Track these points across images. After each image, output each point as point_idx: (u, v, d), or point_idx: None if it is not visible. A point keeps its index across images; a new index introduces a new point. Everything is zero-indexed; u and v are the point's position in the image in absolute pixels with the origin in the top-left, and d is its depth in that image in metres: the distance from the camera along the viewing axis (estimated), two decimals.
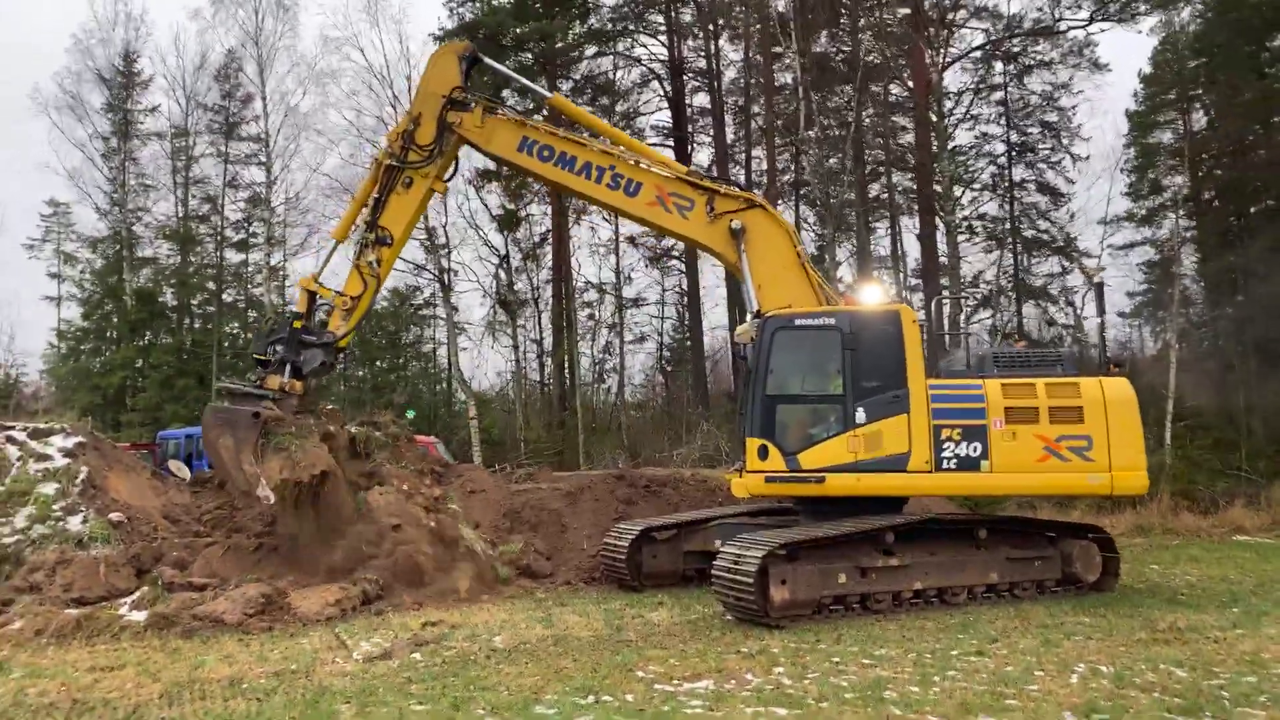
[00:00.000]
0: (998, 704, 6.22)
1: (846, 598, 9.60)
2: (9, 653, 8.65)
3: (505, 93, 26.24)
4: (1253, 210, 28.66)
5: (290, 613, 9.91)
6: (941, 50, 27.67)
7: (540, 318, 34.00)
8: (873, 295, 10.72)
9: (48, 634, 9.25)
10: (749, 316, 11.34)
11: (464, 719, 6.13)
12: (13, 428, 12.73)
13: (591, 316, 33.11)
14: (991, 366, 10.64)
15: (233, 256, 36.33)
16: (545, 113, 15.50)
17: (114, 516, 11.73)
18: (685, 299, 34.27)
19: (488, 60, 13.81)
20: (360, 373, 35.27)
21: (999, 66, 30.92)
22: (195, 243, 35.65)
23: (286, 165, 32.56)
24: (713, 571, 9.53)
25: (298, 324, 12.43)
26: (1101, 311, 10.47)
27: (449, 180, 13.89)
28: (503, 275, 32.11)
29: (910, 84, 29.69)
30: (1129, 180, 34.92)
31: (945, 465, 10.12)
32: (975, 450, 10.11)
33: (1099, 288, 10.85)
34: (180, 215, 36.03)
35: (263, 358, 12.37)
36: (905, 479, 10.14)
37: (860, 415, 10.19)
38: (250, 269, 36.37)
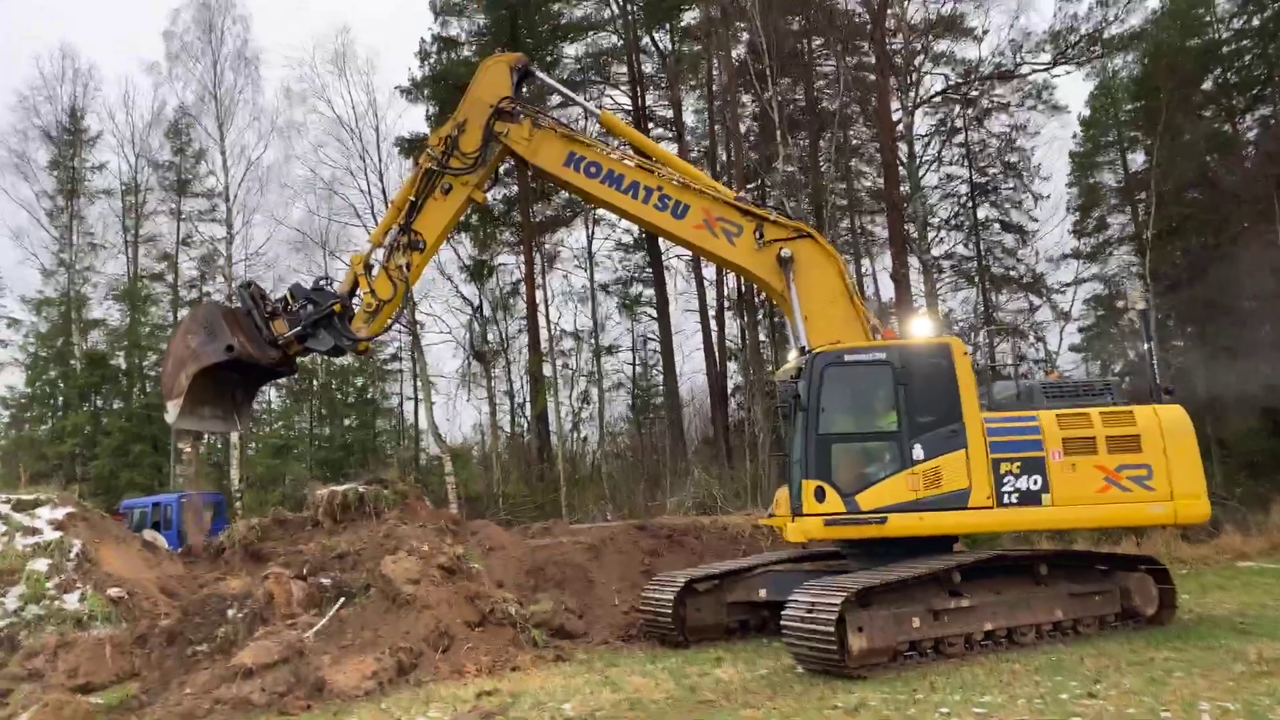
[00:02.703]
0: None
1: (920, 643, 9.19)
2: None
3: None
4: (1199, 245, 29.55)
5: (325, 689, 9.13)
6: (912, 91, 28.24)
7: (511, 369, 33.43)
8: (923, 328, 10.53)
9: None
10: (791, 353, 11.04)
11: None
12: None
13: (567, 365, 32.61)
14: (1041, 398, 10.47)
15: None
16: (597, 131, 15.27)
17: (113, 593, 10.83)
18: (660, 346, 33.96)
19: (540, 74, 13.53)
20: (326, 430, 34.08)
21: (959, 110, 31.71)
22: (150, 302, 34.34)
23: (248, 220, 31.65)
24: (784, 623, 9.04)
25: (338, 307, 12.10)
26: (1149, 339, 10.43)
27: (488, 190, 13.50)
28: (476, 326, 31.50)
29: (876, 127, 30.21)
30: (1074, 219, 36.17)
31: (1006, 500, 9.85)
32: (1036, 483, 9.88)
33: (1144, 315, 10.80)
34: (131, 275, 34.80)
35: (291, 301, 12.13)
36: (968, 516, 9.84)
37: (918, 452, 9.90)
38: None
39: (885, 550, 10.16)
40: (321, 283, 12.71)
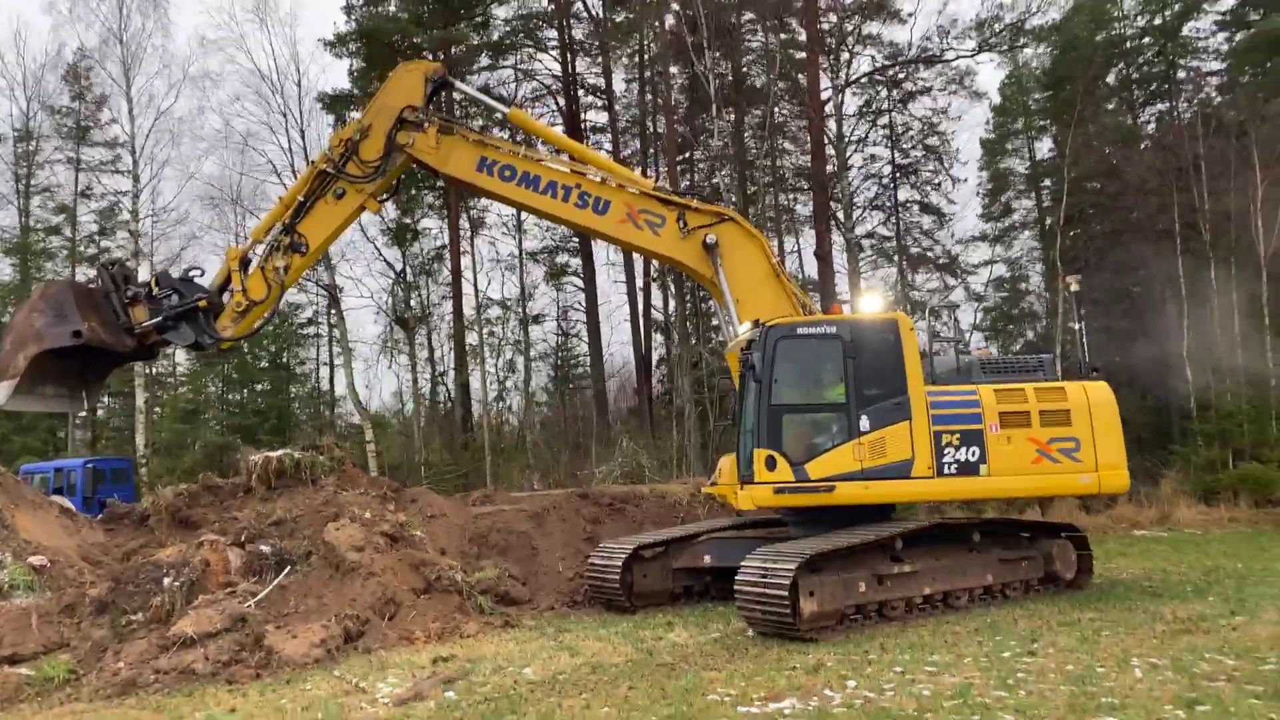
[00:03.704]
0: (1097, 704, 6.25)
1: (865, 606, 9.55)
2: None
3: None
4: (1102, 232, 31.07)
5: (274, 655, 8.91)
6: (843, 71, 28.69)
7: (431, 336, 32.81)
8: (872, 303, 10.83)
9: None
10: (730, 329, 11.21)
11: None
12: None
13: (492, 334, 32.19)
14: (979, 373, 10.92)
15: (87, 271, 33.20)
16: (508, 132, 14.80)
17: (35, 560, 10.29)
18: (586, 316, 33.86)
19: (459, 85, 13.19)
20: (238, 396, 32.87)
21: (884, 92, 32.38)
22: (45, 256, 32.35)
23: (156, 174, 30.05)
24: (736, 588, 9.26)
25: (203, 303, 11.76)
26: (1079, 318, 10.98)
27: (385, 201, 13.15)
28: (399, 292, 30.77)
29: (803, 104, 30.59)
30: (983, 203, 37.62)
31: (946, 470, 10.28)
32: (974, 455, 10.33)
33: (1076, 296, 11.35)
34: (22, 226, 32.69)
35: (155, 288, 11.77)
36: (910, 485, 10.24)
37: (864, 423, 10.22)
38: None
39: (828, 518, 10.48)
40: (192, 273, 12.34)
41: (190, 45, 66.15)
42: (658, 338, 34.72)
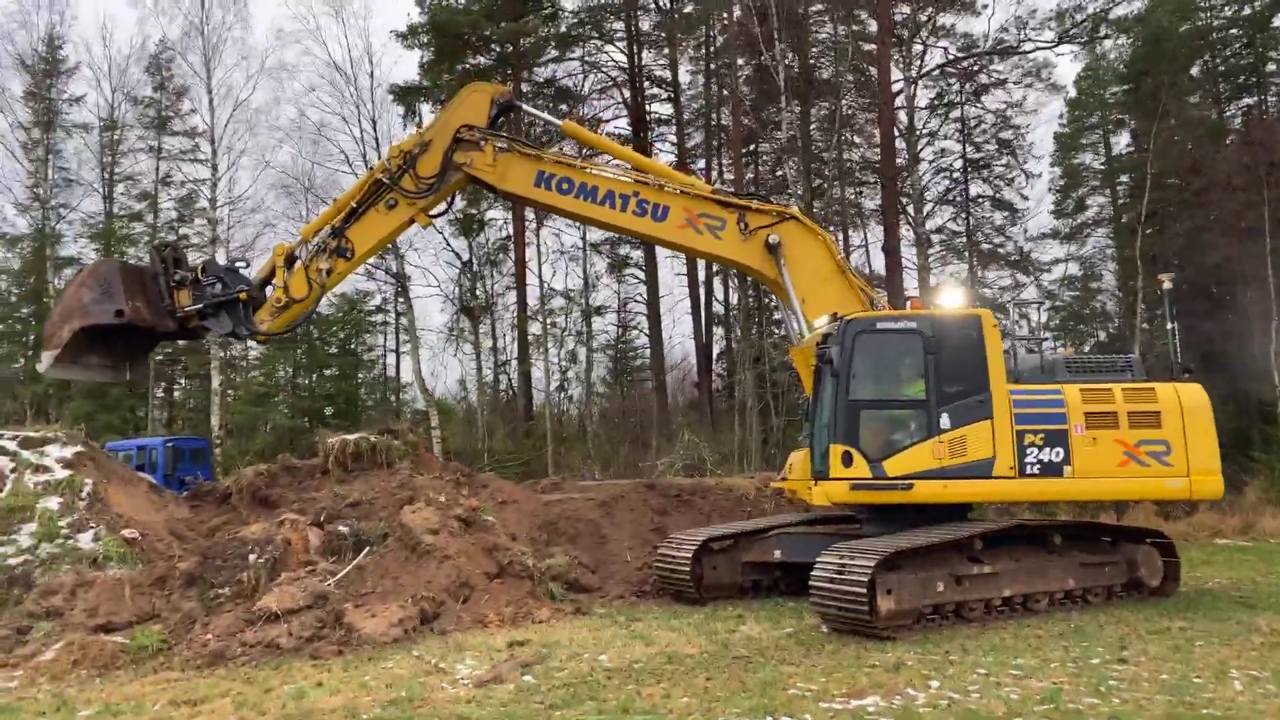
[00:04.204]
0: (1197, 716, 6.05)
1: (943, 606, 9.38)
2: (51, 687, 7.70)
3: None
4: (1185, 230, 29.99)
5: (354, 633, 9.12)
6: (915, 63, 28.16)
7: (495, 326, 33.16)
8: (953, 299, 10.62)
9: (86, 665, 8.30)
10: (794, 328, 11.11)
11: None
12: (1, 435, 11.46)
13: (555, 324, 32.41)
14: (1064, 372, 10.63)
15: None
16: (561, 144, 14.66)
17: (127, 533, 10.67)
18: (647, 308, 33.86)
19: (525, 108, 13.20)
20: (307, 381, 33.65)
21: (956, 85, 31.68)
22: (127, 242, 33.47)
23: (234, 163, 30.86)
24: (812, 584, 9.18)
25: (243, 295, 11.96)
26: (1172, 318, 10.63)
27: (437, 217, 13.16)
28: (465, 281, 31.16)
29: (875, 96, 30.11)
30: (1055, 199, 36.54)
31: (1029, 471, 10.03)
32: (1058, 455, 10.06)
33: (1169, 295, 10.98)
34: (106, 212, 33.89)
35: (200, 277, 12.01)
36: (991, 485, 10.02)
37: (945, 420, 10.02)
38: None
39: (901, 516, 10.31)
40: (238, 265, 12.58)
41: (267, 38, 67.74)
42: (718, 330, 34.60)
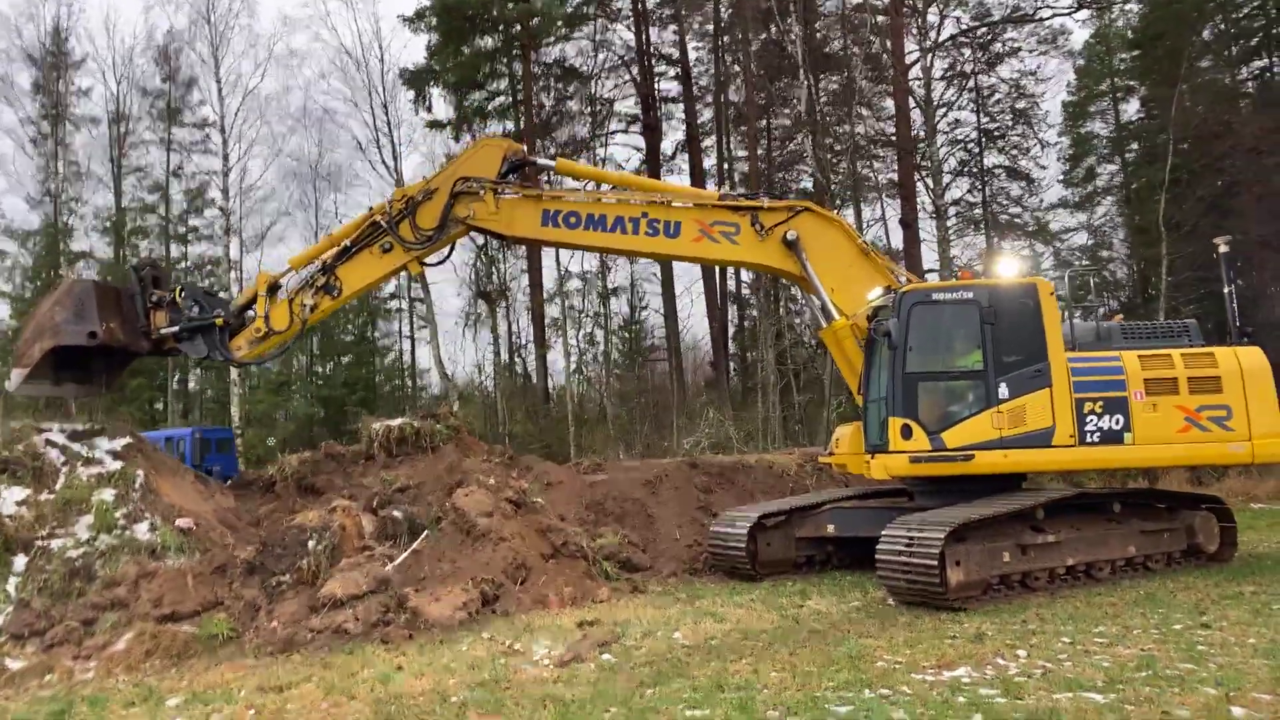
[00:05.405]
0: None
1: (1009, 577, 9.35)
2: (129, 677, 7.69)
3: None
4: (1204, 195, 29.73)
5: (419, 618, 9.10)
6: (932, 33, 27.87)
7: (509, 310, 33.06)
8: (1009, 268, 10.51)
9: (159, 654, 8.29)
10: (823, 318, 11.06)
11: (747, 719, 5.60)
12: (49, 429, 11.40)
13: (572, 306, 32.31)
14: (1120, 338, 10.55)
15: (175, 250, 34.21)
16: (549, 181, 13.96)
17: (182, 523, 10.62)
18: (662, 288, 33.74)
19: (538, 160, 12.85)
20: (324, 369, 33.62)
21: (968, 54, 31.39)
22: (140, 234, 33.36)
23: (245, 153, 30.70)
24: (879, 557, 9.14)
25: (219, 321, 11.88)
26: (1231, 281, 10.53)
27: (436, 265, 12.85)
28: (481, 266, 31.04)
29: (890, 69, 29.83)
30: (1064, 168, 36.27)
31: (1089, 439, 9.97)
32: (1118, 423, 10.00)
33: (1227, 258, 10.87)
34: (117, 206, 33.76)
35: (177, 299, 11.93)
36: (1051, 454, 9.96)
37: (1003, 391, 9.95)
38: (189, 262, 34.34)
39: (955, 488, 10.26)
40: (217, 290, 12.49)
41: (274, 24, 67.12)
42: (732, 309, 34.47)
